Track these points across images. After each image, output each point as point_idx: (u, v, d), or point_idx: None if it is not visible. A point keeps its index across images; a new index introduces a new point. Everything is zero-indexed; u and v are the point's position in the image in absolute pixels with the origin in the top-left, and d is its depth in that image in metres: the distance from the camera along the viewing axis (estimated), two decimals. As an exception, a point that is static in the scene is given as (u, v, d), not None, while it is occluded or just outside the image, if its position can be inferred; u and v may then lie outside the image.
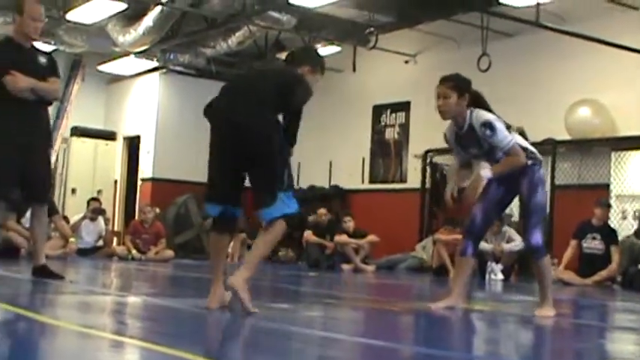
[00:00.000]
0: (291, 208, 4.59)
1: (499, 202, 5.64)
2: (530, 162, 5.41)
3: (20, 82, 6.19)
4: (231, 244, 13.33)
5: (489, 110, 5.45)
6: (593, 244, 10.87)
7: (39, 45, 6.85)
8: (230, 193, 4.75)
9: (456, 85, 5.43)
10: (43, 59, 6.44)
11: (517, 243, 10.96)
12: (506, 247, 11.18)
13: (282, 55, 14.76)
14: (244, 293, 4.52)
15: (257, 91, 4.66)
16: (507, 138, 5.28)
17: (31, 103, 6.30)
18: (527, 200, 5.45)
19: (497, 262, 11.18)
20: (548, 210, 12.50)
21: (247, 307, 4.52)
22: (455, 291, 5.60)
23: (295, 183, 5.48)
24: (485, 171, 5.19)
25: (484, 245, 11.28)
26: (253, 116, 4.57)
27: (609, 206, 11.19)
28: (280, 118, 4.73)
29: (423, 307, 5.65)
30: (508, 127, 5.44)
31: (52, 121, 15.86)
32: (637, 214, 11.52)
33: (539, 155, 5.51)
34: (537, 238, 5.41)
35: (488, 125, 5.27)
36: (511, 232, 11.38)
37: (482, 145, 5.32)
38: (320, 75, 4.97)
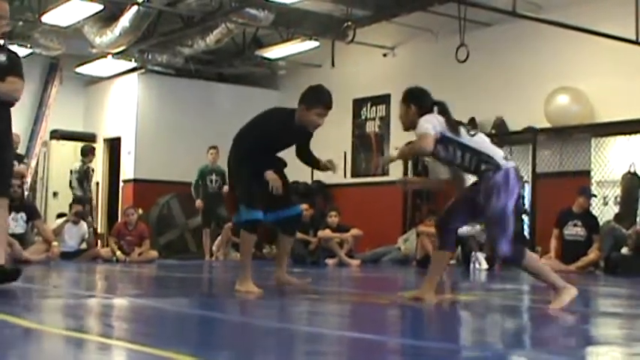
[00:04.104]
0: (241, 217, 6.03)
1: (468, 206, 5.38)
2: (483, 167, 5.18)
3: None
4: (217, 240, 13.41)
5: (444, 116, 5.34)
6: (575, 230, 10.94)
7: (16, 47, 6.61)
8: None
9: (403, 97, 5.56)
10: (2, 57, 5.99)
11: None
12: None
13: (261, 52, 14.87)
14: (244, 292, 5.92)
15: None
16: (422, 128, 5.25)
17: None
18: (484, 209, 5.19)
19: (481, 251, 11.24)
20: (530, 198, 12.64)
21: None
22: (431, 284, 5.54)
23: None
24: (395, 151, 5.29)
25: (468, 230, 11.37)
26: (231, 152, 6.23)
27: (593, 196, 11.26)
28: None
29: (410, 299, 5.65)
30: (471, 129, 5.34)
31: (30, 126, 15.93)
32: (618, 199, 11.60)
33: (500, 161, 5.19)
34: (504, 248, 5.17)
35: (417, 126, 5.31)
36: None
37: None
38: (321, 109, 6.05)
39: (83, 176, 13.40)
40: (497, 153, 5.26)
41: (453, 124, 5.30)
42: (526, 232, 12.88)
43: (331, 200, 14.98)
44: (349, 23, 12.56)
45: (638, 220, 10.79)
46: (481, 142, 5.30)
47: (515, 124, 12.79)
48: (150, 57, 15.02)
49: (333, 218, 12.62)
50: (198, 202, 13.46)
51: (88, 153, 13.65)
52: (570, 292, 5.26)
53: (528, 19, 11.52)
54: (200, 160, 13.81)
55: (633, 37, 11.13)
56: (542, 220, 12.00)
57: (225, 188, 13.21)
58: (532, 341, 4.21)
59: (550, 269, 5.49)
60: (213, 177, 13.44)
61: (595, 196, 11.37)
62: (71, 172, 13.57)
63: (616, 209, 11.46)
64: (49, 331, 3.95)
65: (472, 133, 5.31)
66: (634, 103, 11.40)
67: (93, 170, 13.85)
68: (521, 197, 5.38)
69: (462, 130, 5.29)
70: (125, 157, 16.36)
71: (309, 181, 15.56)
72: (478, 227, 11.36)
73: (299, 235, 12.56)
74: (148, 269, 10.57)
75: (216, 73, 16.89)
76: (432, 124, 5.25)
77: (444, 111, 5.41)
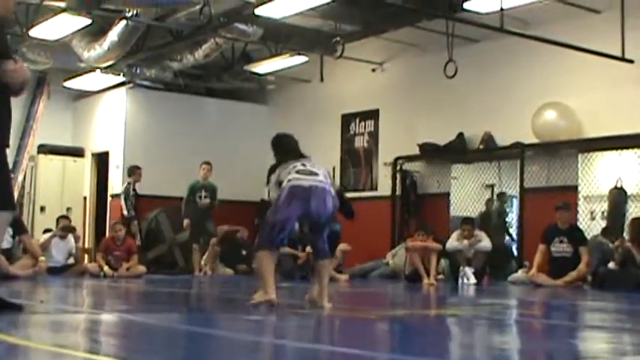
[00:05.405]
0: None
1: None
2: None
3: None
4: (204, 256, 13.37)
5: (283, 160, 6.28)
6: (561, 247, 10.91)
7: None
8: None
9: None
10: None
11: (485, 244, 11.28)
12: (476, 246, 11.34)
13: (250, 67, 14.89)
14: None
15: None
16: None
17: None
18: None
19: (469, 266, 11.26)
20: (517, 213, 12.72)
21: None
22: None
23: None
24: None
25: (456, 245, 11.39)
26: None
27: (568, 208, 11.20)
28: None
29: (399, 314, 5.66)
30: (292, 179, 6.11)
31: (17, 140, 15.85)
32: (605, 214, 11.63)
33: (288, 184, 6.12)
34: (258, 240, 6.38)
35: None
36: (481, 235, 11.49)
37: None
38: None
39: (126, 194, 13.66)
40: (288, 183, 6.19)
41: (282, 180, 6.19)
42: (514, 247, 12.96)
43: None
44: (338, 38, 12.60)
45: (624, 234, 10.82)
46: (283, 180, 6.21)
47: (503, 140, 12.85)
48: (138, 71, 15.01)
49: (321, 233, 12.59)
50: (186, 222, 13.45)
51: (131, 172, 13.91)
52: (265, 297, 6.05)
53: (516, 35, 11.58)
54: (189, 174, 13.78)
55: (619, 54, 11.21)
56: (530, 234, 12.02)
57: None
58: (520, 356, 4.21)
59: (270, 275, 6.18)
60: (203, 193, 13.41)
61: (568, 208, 11.29)
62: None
63: (603, 224, 11.49)
64: (35, 347, 3.93)
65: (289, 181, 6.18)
66: (621, 118, 11.46)
67: (134, 189, 13.82)
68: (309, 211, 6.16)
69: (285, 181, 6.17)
70: (113, 172, 16.32)
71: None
72: (466, 242, 11.39)
73: (287, 250, 12.57)
74: (136, 284, 10.54)
75: (205, 87, 16.88)
76: (270, 187, 6.28)
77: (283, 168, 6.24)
